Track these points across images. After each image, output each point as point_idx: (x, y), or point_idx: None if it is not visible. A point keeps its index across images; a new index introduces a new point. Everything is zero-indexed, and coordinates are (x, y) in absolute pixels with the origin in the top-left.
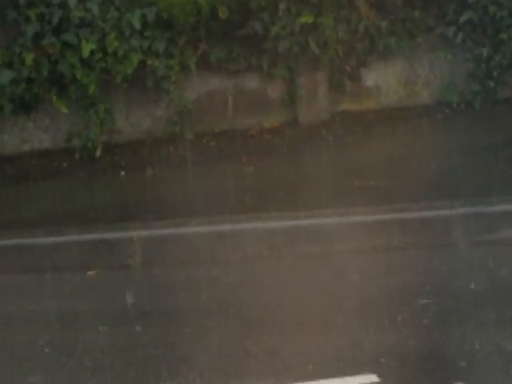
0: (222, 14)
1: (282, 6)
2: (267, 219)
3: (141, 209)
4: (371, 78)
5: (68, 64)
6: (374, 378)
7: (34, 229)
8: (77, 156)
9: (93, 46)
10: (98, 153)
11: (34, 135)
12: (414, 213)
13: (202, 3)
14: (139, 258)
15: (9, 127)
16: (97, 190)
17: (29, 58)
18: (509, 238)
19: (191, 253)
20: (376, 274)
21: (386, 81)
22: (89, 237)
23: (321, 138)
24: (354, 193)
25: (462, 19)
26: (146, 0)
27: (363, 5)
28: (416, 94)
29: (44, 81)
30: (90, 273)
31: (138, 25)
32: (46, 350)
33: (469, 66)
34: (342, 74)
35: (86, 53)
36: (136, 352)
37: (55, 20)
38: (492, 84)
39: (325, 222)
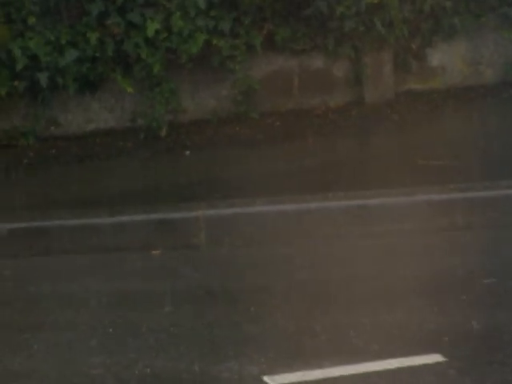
0: None
1: None
2: (333, 199)
3: (206, 188)
4: (436, 57)
5: (133, 43)
6: (439, 357)
7: (99, 208)
8: (142, 135)
9: (158, 26)
10: (163, 132)
11: (99, 115)
12: (478, 192)
13: None
14: (204, 238)
15: (73, 107)
16: (161, 170)
17: (93, 37)
18: None
19: (256, 232)
20: (440, 253)
21: (450, 60)
22: (153, 216)
23: (386, 118)
24: (418, 172)
25: None
26: None
27: None
28: (480, 74)
29: (109, 60)
30: (154, 252)
31: (202, 4)
32: (110, 330)
33: None
34: (407, 53)
35: (150, 32)
36: (201, 332)
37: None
38: None
39: (390, 201)
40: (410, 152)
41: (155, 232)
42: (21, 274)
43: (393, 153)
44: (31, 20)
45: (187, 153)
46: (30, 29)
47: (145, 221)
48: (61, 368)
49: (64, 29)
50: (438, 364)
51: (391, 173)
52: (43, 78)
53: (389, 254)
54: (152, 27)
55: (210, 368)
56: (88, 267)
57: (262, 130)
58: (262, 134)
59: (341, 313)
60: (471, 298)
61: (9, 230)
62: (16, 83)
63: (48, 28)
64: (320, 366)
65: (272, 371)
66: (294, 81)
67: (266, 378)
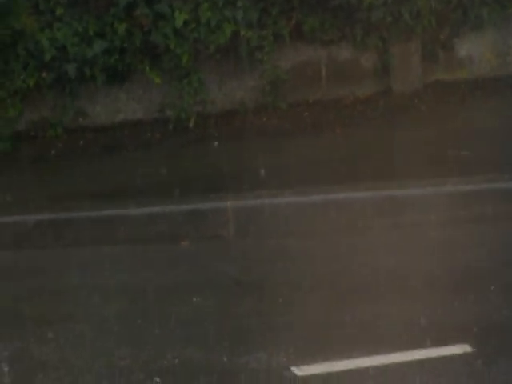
0: None
1: None
2: (360, 189)
3: (234, 179)
4: (464, 48)
5: (161, 34)
6: (467, 347)
7: (127, 199)
8: (170, 126)
9: (186, 16)
10: (192, 123)
11: (127, 106)
12: (506, 183)
13: None
14: (232, 229)
15: (101, 98)
16: (190, 161)
17: (121, 28)
18: None
19: (284, 223)
20: (468, 243)
21: (478, 51)
22: (182, 207)
23: (413, 108)
24: (446, 163)
25: None
26: None
27: None
28: (508, 65)
29: (137, 51)
30: (183, 243)
31: None
32: (138, 321)
33: None
34: (434, 44)
35: (179, 23)
36: (229, 322)
37: None
38: None
39: (417, 191)
40: (438, 143)
41: (183, 223)
42: (48, 265)
43: (420, 143)
44: (59, 11)
45: (215, 144)
46: (58, 20)
47: (173, 212)
48: (89, 359)
49: (92, 19)
50: (466, 354)
51: (419, 163)
52: (71, 69)
53: (416, 244)
54: (180, 18)
55: (238, 358)
56: (116, 258)
57: (290, 120)
58: (290, 124)
59: (368, 303)
60: (500, 289)
61: (36, 221)
62: (44, 74)
63: (76, 19)
64: (347, 357)
65: (300, 362)
66: (321, 71)
67: (293, 369)
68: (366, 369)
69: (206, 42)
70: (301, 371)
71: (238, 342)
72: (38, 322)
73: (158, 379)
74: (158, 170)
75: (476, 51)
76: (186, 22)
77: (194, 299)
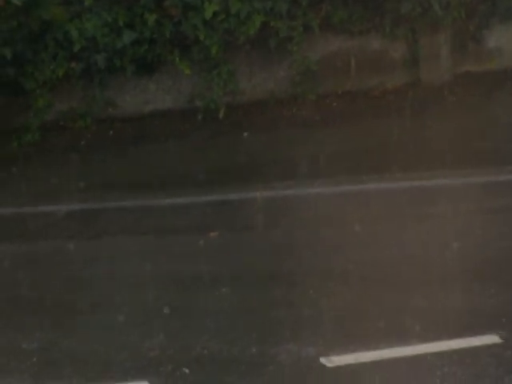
0: None
1: None
2: (389, 180)
3: (264, 169)
4: (493, 39)
5: (191, 25)
6: (496, 338)
7: (156, 190)
8: (199, 117)
9: (216, 7)
10: (221, 114)
11: (156, 96)
12: None
13: None
14: (261, 219)
15: (131, 88)
16: (219, 151)
17: (151, 18)
18: None
19: (314, 213)
20: (498, 234)
21: (507, 42)
22: (211, 198)
23: (443, 99)
24: (475, 153)
25: None
26: None
27: None
28: None
29: (166, 42)
30: (212, 234)
31: None
32: (167, 312)
33: None
34: (464, 35)
35: (208, 14)
36: (258, 313)
37: None
38: None
39: (446, 182)
40: (467, 133)
41: (212, 214)
42: (77, 255)
43: (450, 134)
44: (88, 1)
45: (245, 134)
46: (88, 10)
47: (202, 202)
48: (117, 350)
49: (121, 10)
50: (495, 345)
51: (448, 154)
52: (100, 60)
53: (446, 235)
54: (210, 9)
55: (268, 350)
56: (144, 249)
57: (320, 111)
58: (320, 115)
59: (398, 294)
60: None
61: (66, 211)
62: (73, 65)
63: (105, 9)
64: (376, 348)
65: (329, 353)
66: (351, 62)
67: (322, 360)
68: (395, 359)
69: (236, 33)
70: (330, 362)
71: (268, 333)
72: (64, 312)
73: (186, 370)
74: (187, 161)
75: (505, 42)
76: (215, 13)
77: (223, 290)
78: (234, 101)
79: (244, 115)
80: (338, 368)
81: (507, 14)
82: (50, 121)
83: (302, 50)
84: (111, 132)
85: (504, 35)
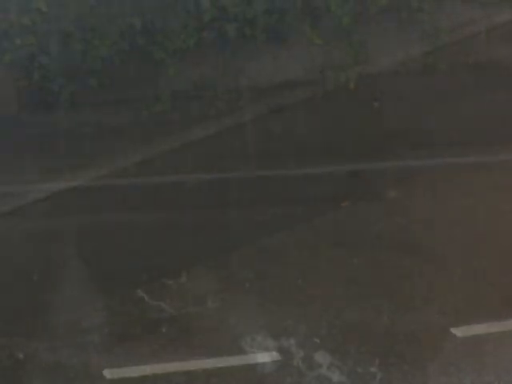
0: None
1: None
2: None
3: (394, 140)
4: None
5: None
6: None
7: (288, 160)
8: (330, 87)
9: None
10: (352, 84)
11: (287, 66)
12: None
13: None
14: (392, 189)
15: (261, 57)
16: (350, 121)
17: None
18: None
19: (443, 184)
20: None
21: None
22: (343, 168)
23: None
24: None
25: None
26: None
27: None
28: None
29: (297, 12)
30: (343, 204)
31: None
32: (299, 282)
33: None
34: None
35: None
36: (390, 283)
37: None
38: None
39: None
40: None
41: (344, 184)
42: (209, 223)
43: None
44: None
45: (376, 104)
46: None
47: (334, 173)
48: (250, 319)
49: None
50: None
51: None
52: (231, 29)
53: None
54: None
55: (398, 319)
56: (275, 219)
57: (451, 81)
58: (451, 86)
59: None
60: None
61: (197, 180)
62: (204, 34)
63: None
64: (506, 318)
65: (458, 323)
66: (481, 33)
67: (452, 330)
68: None
69: (367, 3)
70: (460, 332)
71: (399, 303)
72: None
73: (317, 340)
74: (318, 130)
75: None
76: None
77: (355, 260)
78: (365, 70)
79: (375, 85)
80: (469, 338)
81: None
82: (179, 90)
83: (433, 20)
84: (241, 102)
85: None
